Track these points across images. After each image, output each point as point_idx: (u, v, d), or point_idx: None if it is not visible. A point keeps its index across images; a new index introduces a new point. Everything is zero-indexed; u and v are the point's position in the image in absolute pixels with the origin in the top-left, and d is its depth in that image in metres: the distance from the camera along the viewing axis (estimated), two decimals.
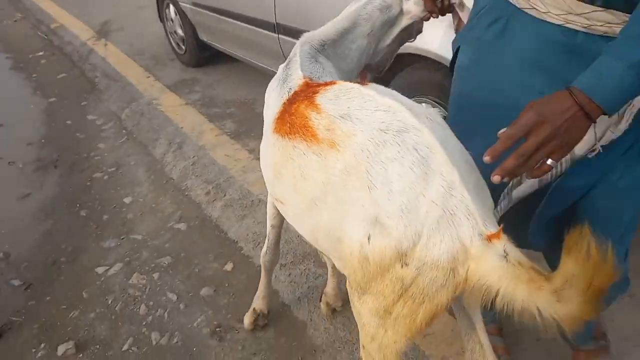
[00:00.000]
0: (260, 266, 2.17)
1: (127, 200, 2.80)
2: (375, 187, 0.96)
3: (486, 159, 0.92)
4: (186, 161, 2.99)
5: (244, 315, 1.94)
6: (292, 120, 1.16)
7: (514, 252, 0.88)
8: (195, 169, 2.91)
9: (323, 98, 1.13)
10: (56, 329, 2.04)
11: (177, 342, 1.93)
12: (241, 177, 2.75)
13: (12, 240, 2.57)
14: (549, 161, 0.91)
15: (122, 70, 4.26)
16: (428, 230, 0.92)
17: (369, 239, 0.96)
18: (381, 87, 1.17)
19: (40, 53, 5.10)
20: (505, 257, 0.87)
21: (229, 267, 2.24)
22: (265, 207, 2.49)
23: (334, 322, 1.89)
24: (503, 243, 0.88)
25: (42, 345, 1.97)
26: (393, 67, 1.93)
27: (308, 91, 1.19)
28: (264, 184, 2.74)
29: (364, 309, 1.09)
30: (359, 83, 1.16)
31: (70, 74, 4.57)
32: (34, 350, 1.96)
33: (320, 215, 1.11)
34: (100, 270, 2.31)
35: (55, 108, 3.97)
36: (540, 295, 0.84)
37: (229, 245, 2.37)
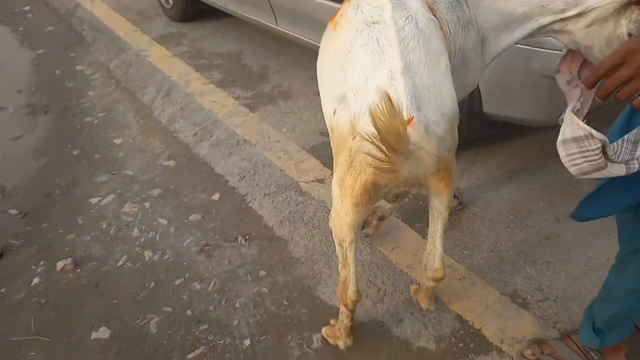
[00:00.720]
0: (246, 195, 2.35)
1: (117, 141, 2.92)
2: (348, 67, 1.15)
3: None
4: (174, 106, 3.11)
5: (232, 236, 2.13)
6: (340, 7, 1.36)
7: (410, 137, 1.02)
8: (183, 113, 3.04)
9: None
10: (54, 250, 2.19)
11: (168, 258, 2.09)
12: (227, 120, 2.89)
13: (7, 175, 2.69)
14: None
15: (110, 24, 4.31)
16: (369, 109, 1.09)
17: (334, 112, 1.13)
18: None
19: (27, 7, 5.09)
20: None
21: (215, 197, 2.40)
22: (250, 147, 2.65)
23: (312, 239, 2.07)
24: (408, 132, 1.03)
25: (42, 262, 2.12)
26: None
27: None
28: (249, 126, 2.90)
29: (334, 180, 1.29)
30: None
31: (57, 27, 4.60)
32: (34, 267, 2.11)
33: (320, 89, 1.32)
34: (93, 200, 2.45)
35: (43, 59, 4.03)
36: None
37: (216, 179, 2.52)
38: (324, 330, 1.68)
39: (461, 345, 1.61)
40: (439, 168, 1.16)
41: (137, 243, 2.18)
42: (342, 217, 1.27)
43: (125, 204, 2.40)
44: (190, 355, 1.70)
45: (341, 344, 1.60)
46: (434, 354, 1.60)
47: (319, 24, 2.62)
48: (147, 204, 2.39)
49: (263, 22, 3.18)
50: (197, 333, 1.77)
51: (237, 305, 1.85)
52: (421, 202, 2.17)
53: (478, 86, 2.00)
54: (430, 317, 1.70)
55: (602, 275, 1.41)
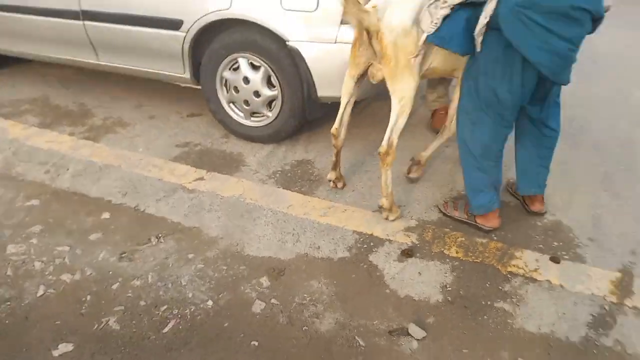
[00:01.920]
0: (137, 206, 2.56)
1: None
2: None
3: None
4: (3, 153, 2.99)
5: (144, 239, 2.34)
6: None
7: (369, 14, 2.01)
8: (20, 157, 2.96)
9: None
10: None
11: (90, 274, 2.18)
12: (75, 153, 2.96)
13: None
14: None
15: None
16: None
17: None
18: None
19: None
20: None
21: (106, 215, 2.52)
22: (115, 169, 2.82)
23: (221, 220, 2.45)
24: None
25: None
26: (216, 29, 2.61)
27: None
28: (103, 154, 3.04)
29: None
30: None
31: None
32: None
33: None
34: None
35: None
36: None
37: (96, 202, 2.62)
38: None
39: (365, 246, 2.26)
40: (382, 50, 2.09)
41: (47, 272, 2.19)
42: (347, 74, 2.31)
43: (7, 247, 2.33)
44: (165, 330, 1.92)
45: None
46: (343, 261, 2.22)
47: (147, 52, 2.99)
48: (33, 240, 2.37)
49: (80, 59, 3.30)
50: (160, 314, 1.99)
51: (183, 283, 2.12)
52: (289, 174, 2.76)
53: (312, 77, 2.67)
54: (336, 236, 2.31)
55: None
